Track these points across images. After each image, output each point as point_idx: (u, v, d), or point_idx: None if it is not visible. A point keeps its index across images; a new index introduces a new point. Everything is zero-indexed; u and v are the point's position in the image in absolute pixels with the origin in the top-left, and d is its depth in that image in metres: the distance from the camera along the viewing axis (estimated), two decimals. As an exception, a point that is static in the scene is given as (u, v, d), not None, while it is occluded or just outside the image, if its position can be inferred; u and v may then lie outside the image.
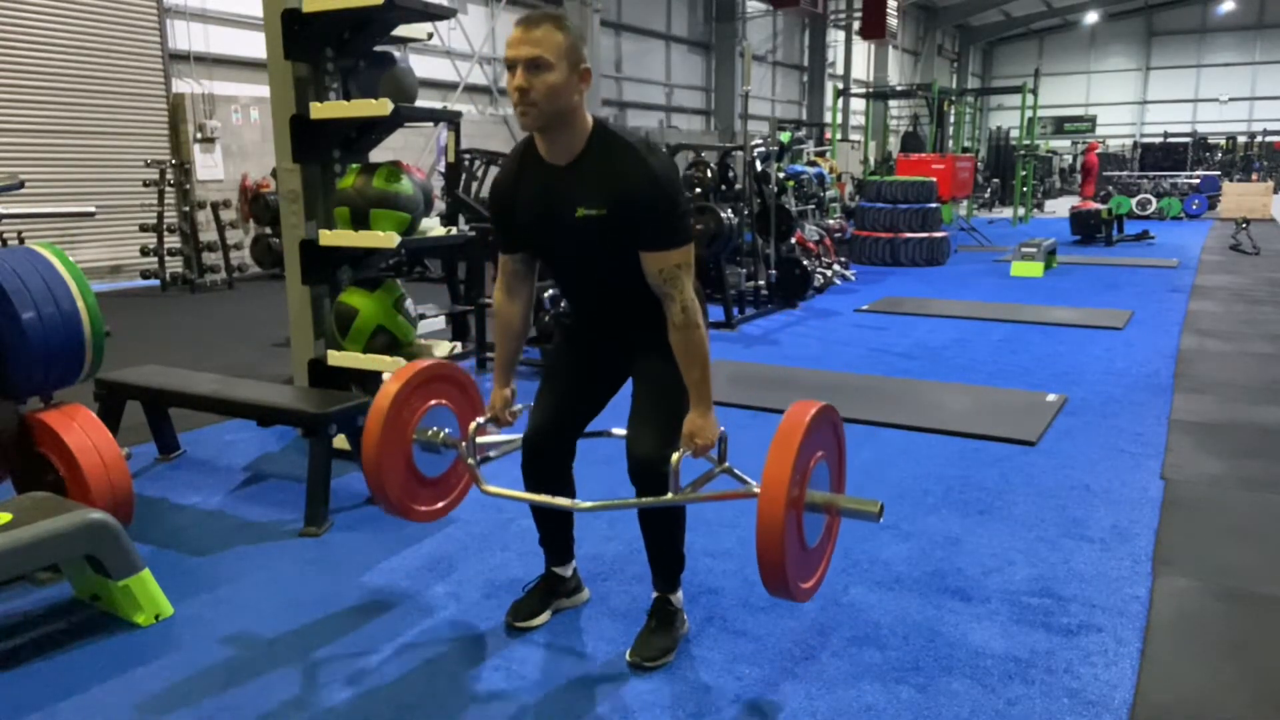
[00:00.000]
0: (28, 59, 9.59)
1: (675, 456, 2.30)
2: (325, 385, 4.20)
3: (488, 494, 2.55)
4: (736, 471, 2.50)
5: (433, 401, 2.69)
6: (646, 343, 2.39)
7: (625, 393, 2.58)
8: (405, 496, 2.66)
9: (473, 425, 2.60)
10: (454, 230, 4.40)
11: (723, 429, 2.41)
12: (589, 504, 2.48)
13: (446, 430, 2.69)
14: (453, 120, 4.52)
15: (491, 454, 2.77)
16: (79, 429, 3.10)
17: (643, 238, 2.25)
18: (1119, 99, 37.74)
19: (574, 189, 2.26)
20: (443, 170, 8.33)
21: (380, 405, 2.54)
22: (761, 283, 8.34)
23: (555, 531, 2.72)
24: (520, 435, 2.61)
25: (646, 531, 2.50)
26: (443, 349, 4.15)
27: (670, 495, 2.34)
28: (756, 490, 2.20)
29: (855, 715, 2.26)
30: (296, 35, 4.07)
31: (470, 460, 2.60)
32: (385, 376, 4.53)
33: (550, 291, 5.62)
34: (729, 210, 7.71)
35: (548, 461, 2.56)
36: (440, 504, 2.80)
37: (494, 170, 11.02)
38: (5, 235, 8.62)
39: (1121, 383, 5.53)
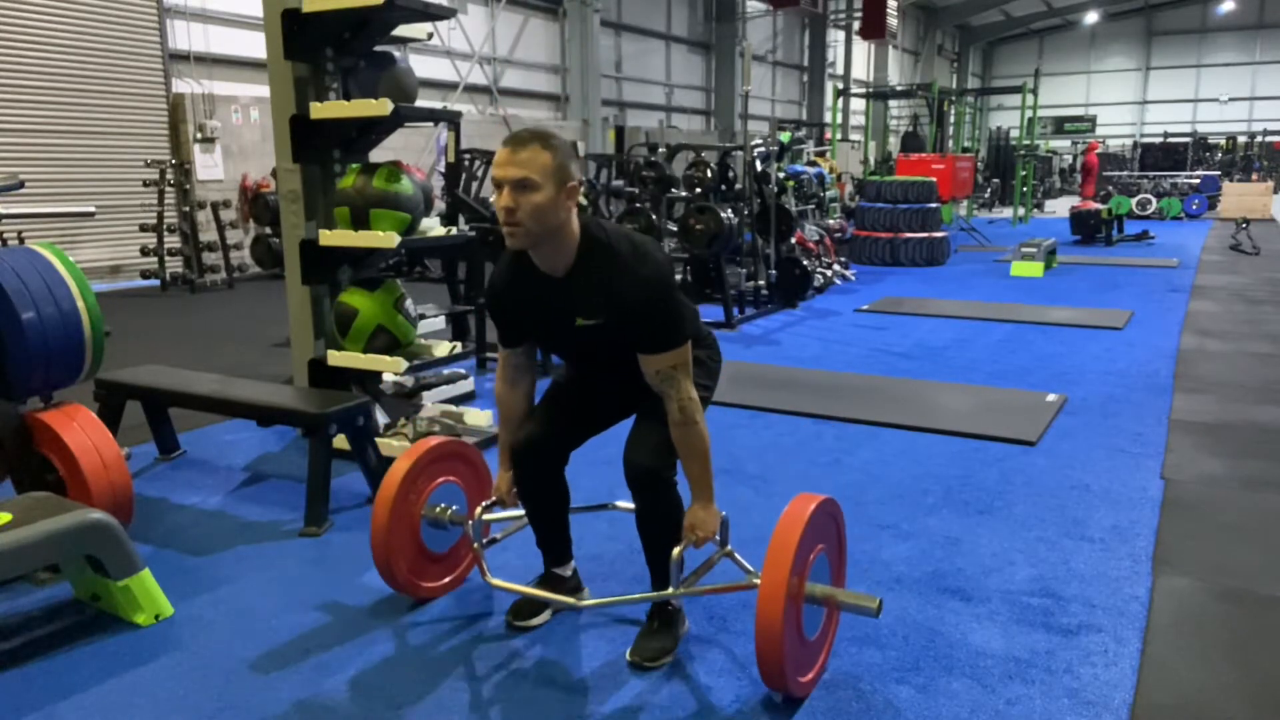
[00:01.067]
0: (28, 59, 9.58)
1: (676, 551, 2.37)
2: (325, 385, 4.20)
3: (493, 586, 2.64)
4: (738, 556, 2.58)
5: (441, 479, 2.78)
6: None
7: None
8: (413, 574, 2.74)
9: (479, 509, 2.67)
10: (454, 230, 4.40)
11: (724, 514, 2.49)
12: (590, 601, 2.60)
13: (454, 508, 2.78)
14: (453, 120, 4.52)
15: (498, 535, 2.86)
16: (79, 429, 3.10)
17: (638, 343, 2.31)
18: (1119, 99, 37.76)
19: (570, 299, 2.31)
20: (443, 170, 8.33)
21: (389, 488, 2.63)
22: (761, 283, 8.34)
23: (553, 534, 2.73)
24: (521, 515, 2.74)
25: (645, 539, 2.51)
26: (443, 349, 4.15)
27: (671, 590, 2.42)
28: (757, 582, 2.26)
29: (855, 715, 2.26)
30: (296, 35, 4.07)
31: (476, 545, 2.67)
32: (386, 377, 4.57)
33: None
34: (729, 210, 7.70)
35: (538, 469, 2.57)
36: (447, 579, 2.88)
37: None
38: (5, 235, 8.62)
39: (1121, 383, 5.53)
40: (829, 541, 2.41)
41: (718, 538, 2.48)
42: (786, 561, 2.15)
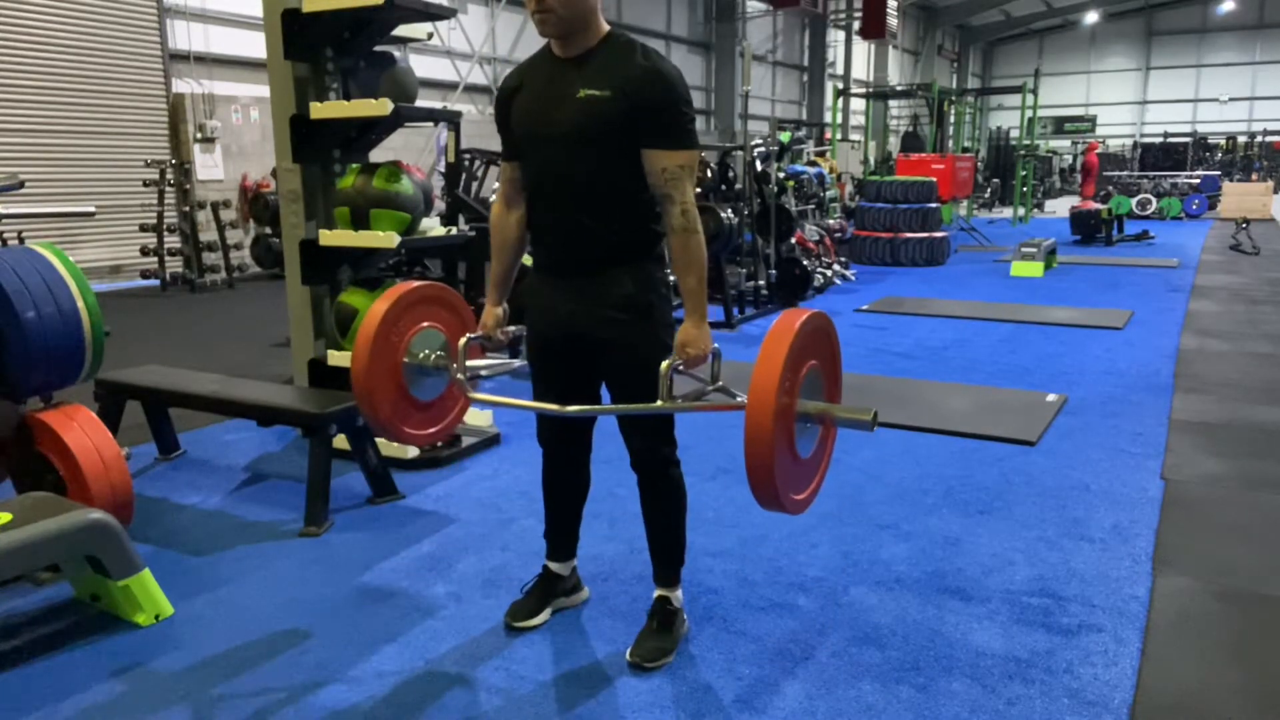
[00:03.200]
0: (28, 59, 9.59)
1: (665, 365, 2.27)
2: (325, 385, 4.20)
3: (476, 400, 2.56)
4: (729, 389, 2.43)
5: (424, 324, 2.62)
6: (615, 327, 2.35)
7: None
8: (396, 417, 2.58)
9: (463, 340, 2.56)
10: (454, 230, 4.40)
11: (716, 345, 2.37)
12: (574, 408, 2.44)
13: (438, 352, 2.62)
14: (453, 120, 4.52)
15: (483, 372, 2.72)
16: (79, 429, 3.09)
17: (647, 133, 2.25)
18: (1119, 99, 37.73)
19: (581, 73, 2.28)
20: (443, 170, 8.33)
21: (369, 325, 2.49)
22: (761, 282, 8.34)
23: (565, 524, 2.73)
24: (511, 359, 2.70)
25: (650, 520, 2.51)
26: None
27: (660, 403, 2.30)
28: (744, 401, 2.09)
29: (855, 715, 2.26)
30: (296, 35, 4.07)
31: (460, 376, 2.55)
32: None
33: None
34: (729, 210, 7.70)
35: (568, 456, 2.64)
36: (432, 429, 2.71)
37: (494, 170, 11.02)
38: (5, 235, 8.62)
39: (1121, 383, 5.53)
40: (822, 358, 2.25)
41: (708, 373, 2.36)
42: (775, 372, 2.00)
